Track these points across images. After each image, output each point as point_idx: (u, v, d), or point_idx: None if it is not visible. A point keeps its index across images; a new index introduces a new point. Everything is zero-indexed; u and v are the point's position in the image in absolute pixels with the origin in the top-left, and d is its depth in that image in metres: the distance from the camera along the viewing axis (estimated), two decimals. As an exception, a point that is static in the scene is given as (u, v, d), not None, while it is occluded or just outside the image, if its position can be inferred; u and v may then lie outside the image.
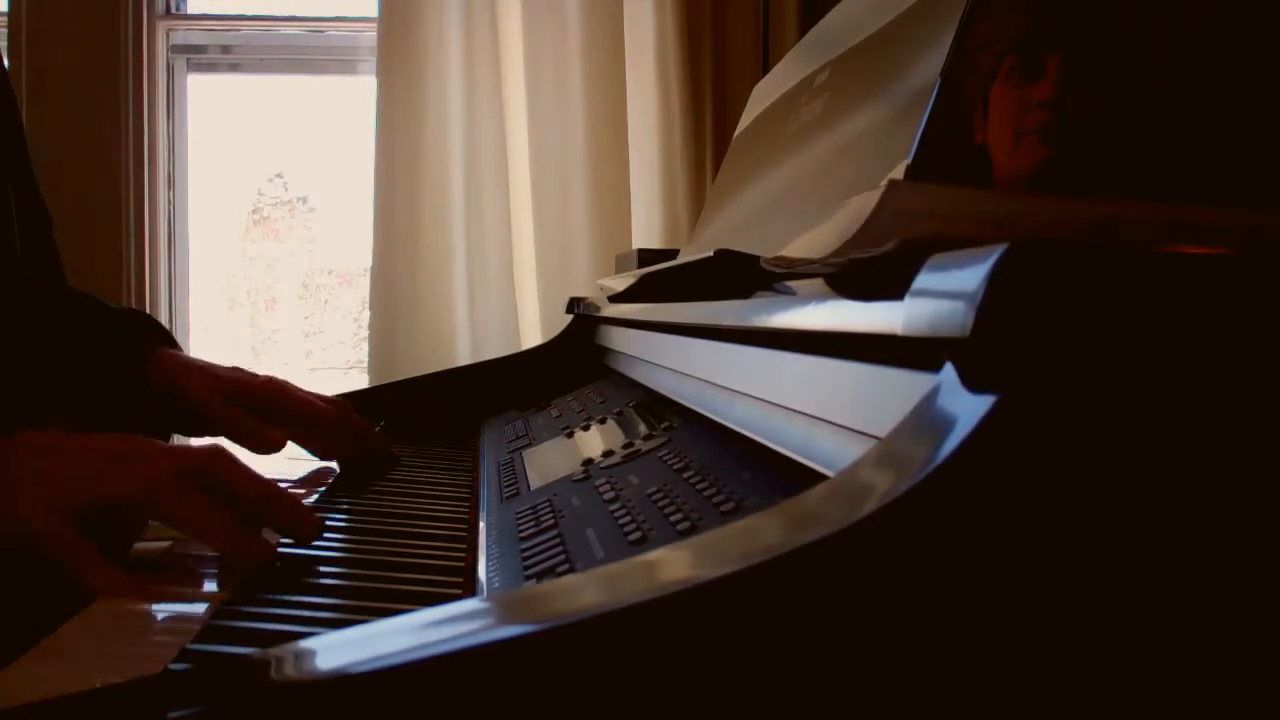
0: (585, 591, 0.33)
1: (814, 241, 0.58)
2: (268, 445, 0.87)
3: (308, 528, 0.63)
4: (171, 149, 2.01)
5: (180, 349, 0.96)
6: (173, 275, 2.01)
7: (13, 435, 0.61)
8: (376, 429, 1.01)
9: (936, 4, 0.64)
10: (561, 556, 0.55)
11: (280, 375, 0.95)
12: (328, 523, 0.73)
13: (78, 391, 0.79)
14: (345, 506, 0.80)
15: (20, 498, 0.57)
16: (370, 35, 1.88)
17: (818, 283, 0.52)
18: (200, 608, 0.54)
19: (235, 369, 0.92)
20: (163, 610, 0.57)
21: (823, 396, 0.46)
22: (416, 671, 0.28)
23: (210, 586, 0.60)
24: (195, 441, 0.91)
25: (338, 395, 1.18)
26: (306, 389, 0.97)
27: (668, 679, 0.28)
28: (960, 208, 0.43)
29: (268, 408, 0.90)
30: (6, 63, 0.96)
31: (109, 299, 0.99)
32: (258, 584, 0.58)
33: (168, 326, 1.95)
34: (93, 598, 0.56)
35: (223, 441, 0.80)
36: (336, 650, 0.31)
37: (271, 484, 0.64)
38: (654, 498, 0.57)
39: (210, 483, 0.60)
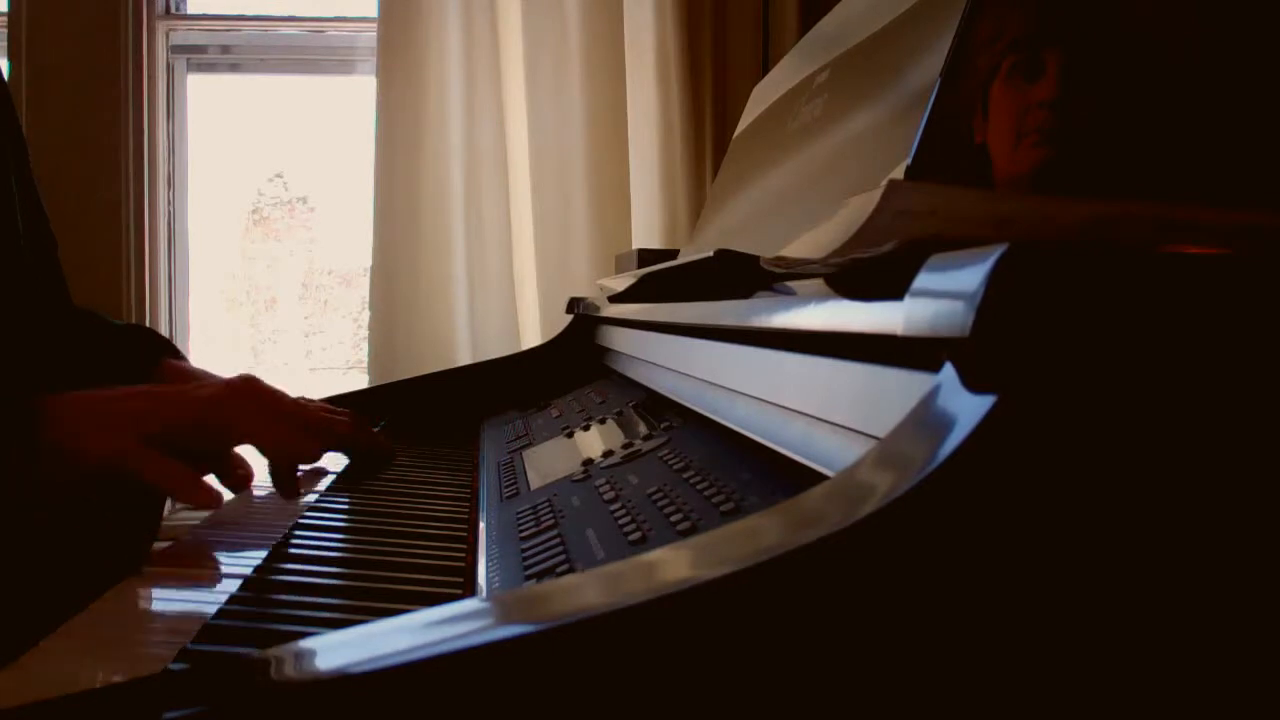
0: (585, 591, 0.33)
1: (814, 241, 0.58)
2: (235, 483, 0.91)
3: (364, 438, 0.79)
4: (171, 149, 2.01)
5: (185, 358, 0.99)
6: (173, 275, 2.01)
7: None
8: (378, 431, 1.02)
9: (936, 4, 0.64)
10: (561, 556, 0.55)
11: (282, 377, 0.98)
12: (328, 522, 0.74)
13: None
14: (345, 506, 0.80)
15: (108, 433, 0.63)
16: (370, 35, 1.88)
17: (818, 283, 0.52)
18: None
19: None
20: (182, 598, 0.57)
21: (823, 396, 0.46)
22: (417, 671, 0.28)
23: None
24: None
25: (335, 395, 1.19)
26: (315, 400, 0.99)
27: (668, 679, 0.28)
28: (960, 208, 0.43)
29: None
30: (7, 63, 0.97)
31: (109, 299, 1.00)
32: (259, 583, 0.58)
33: (168, 327, 1.96)
34: (96, 595, 0.56)
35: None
36: (336, 650, 0.31)
37: (323, 411, 0.78)
38: (654, 498, 0.57)
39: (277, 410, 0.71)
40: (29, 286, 0.88)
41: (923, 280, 0.34)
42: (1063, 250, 0.30)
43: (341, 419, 0.96)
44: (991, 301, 0.29)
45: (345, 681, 0.28)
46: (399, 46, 1.83)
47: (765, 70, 1.68)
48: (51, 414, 0.63)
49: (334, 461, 0.96)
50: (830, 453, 0.44)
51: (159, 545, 0.67)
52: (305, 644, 0.32)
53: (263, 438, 0.68)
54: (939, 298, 0.32)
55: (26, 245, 0.88)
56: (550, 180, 1.83)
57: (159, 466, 0.63)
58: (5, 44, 1.86)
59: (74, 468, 0.62)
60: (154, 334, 1.03)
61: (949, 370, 0.32)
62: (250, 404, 0.68)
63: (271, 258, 2.33)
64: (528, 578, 0.54)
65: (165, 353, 0.98)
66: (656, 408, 0.82)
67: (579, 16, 1.81)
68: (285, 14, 2.08)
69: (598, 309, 1.24)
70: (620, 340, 1.12)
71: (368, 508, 0.80)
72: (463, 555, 0.66)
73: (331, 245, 2.34)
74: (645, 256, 1.40)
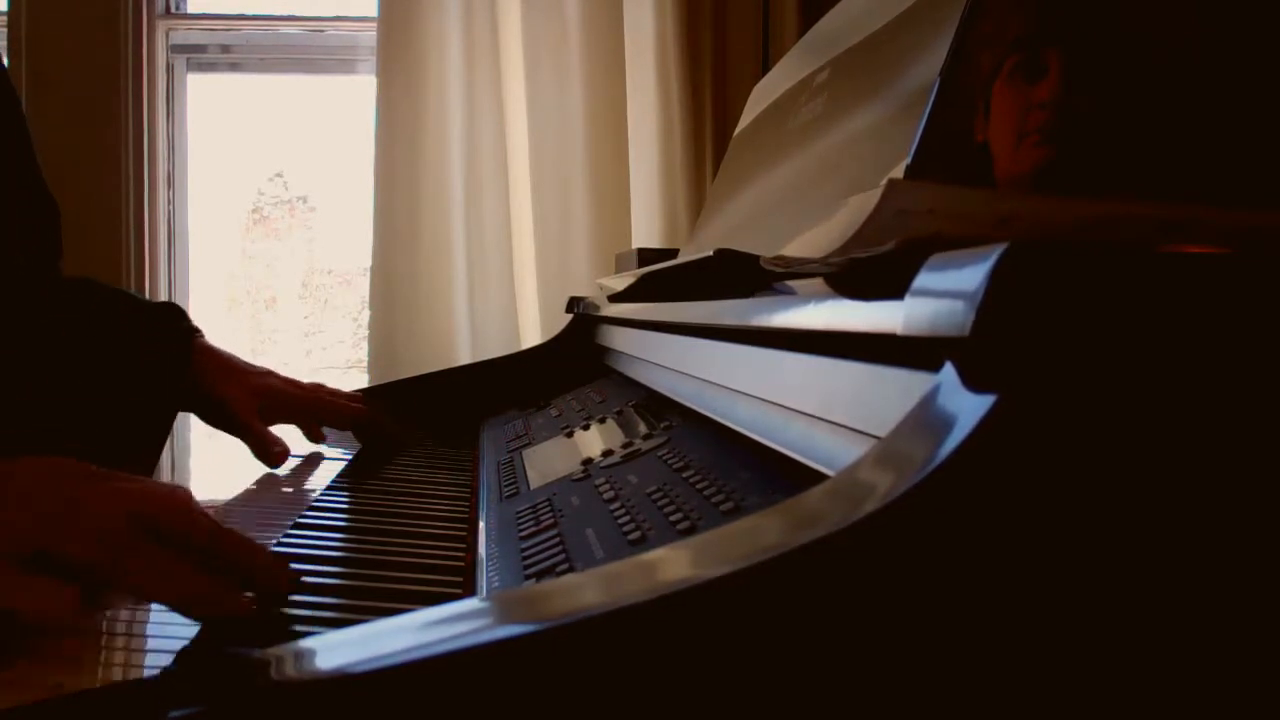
0: (585, 591, 0.33)
1: (814, 241, 0.58)
2: (273, 460, 0.97)
3: (281, 580, 0.55)
4: (171, 149, 2.01)
5: (205, 338, 1.03)
6: (173, 275, 2.01)
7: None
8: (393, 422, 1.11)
9: (936, 4, 0.64)
10: (561, 556, 0.55)
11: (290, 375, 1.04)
12: (327, 521, 0.73)
13: (124, 388, 0.85)
14: (345, 505, 0.80)
15: None
16: (370, 35, 1.88)
17: (818, 282, 0.52)
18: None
19: (270, 376, 1.03)
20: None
21: (823, 396, 0.46)
22: (417, 671, 0.28)
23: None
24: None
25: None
26: (342, 391, 1.09)
27: (667, 679, 0.28)
28: (960, 207, 0.43)
29: (298, 414, 1.02)
30: (6, 62, 0.97)
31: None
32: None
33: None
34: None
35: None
36: (336, 650, 0.31)
37: (233, 534, 0.55)
38: (654, 497, 0.57)
39: (167, 532, 0.52)
40: (23, 269, 0.88)
41: (923, 279, 0.34)
42: (1063, 250, 0.30)
43: (355, 403, 1.06)
44: (992, 301, 0.29)
45: (345, 681, 0.28)
46: (399, 46, 1.82)
47: (765, 70, 1.68)
48: None
49: (332, 465, 0.96)
50: (830, 452, 0.44)
51: None
52: (305, 644, 0.32)
53: (172, 604, 0.50)
54: (939, 297, 0.32)
55: (21, 225, 0.89)
56: (550, 180, 1.83)
57: (30, 602, 0.48)
58: (5, 44, 1.86)
59: None
60: (180, 313, 1.05)
61: (949, 370, 0.32)
62: (155, 561, 0.50)
63: (271, 257, 2.33)
64: (527, 577, 0.54)
65: (195, 332, 1.01)
66: (656, 407, 0.82)
67: (579, 16, 1.81)
68: (285, 13, 2.08)
69: (598, 308, 1.24)
70: (620, 340, 1.12)
71: (367, 507, 0.80)
72: (462, 555, 0.66)
73: (331, 245, 2.34)
74: (645, 256, 1.40)
